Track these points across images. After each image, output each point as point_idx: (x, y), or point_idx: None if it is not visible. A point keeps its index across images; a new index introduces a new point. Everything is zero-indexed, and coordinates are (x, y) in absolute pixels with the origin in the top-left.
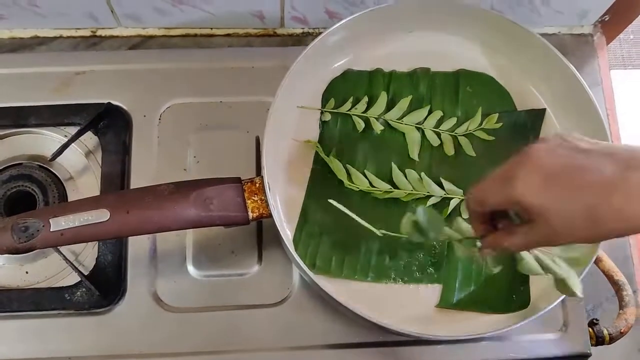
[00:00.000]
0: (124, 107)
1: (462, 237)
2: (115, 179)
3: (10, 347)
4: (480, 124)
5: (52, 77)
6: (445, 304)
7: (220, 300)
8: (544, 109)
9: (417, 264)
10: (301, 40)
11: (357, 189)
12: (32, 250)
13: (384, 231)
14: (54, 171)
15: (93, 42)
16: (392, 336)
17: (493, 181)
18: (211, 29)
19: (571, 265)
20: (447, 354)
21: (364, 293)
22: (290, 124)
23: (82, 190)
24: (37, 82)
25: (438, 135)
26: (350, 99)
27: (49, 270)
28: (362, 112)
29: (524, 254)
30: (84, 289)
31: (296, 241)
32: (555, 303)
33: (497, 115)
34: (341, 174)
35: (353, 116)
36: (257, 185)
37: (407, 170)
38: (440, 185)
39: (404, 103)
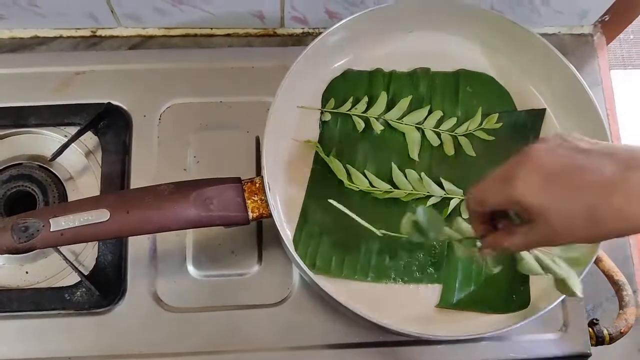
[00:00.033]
0: (124, 107)
1: (462, 237)
2: (115, 179)
3: (10, 347)
4: (480, 124)
5: (52, 77)
6: (445, 304)
7: (220, 300)
8: (544, 109)
9: (417, 264)
10: (301, 40)
11: (357, 189)
12: (32, 250)
13: (384, 231)
14: (54, 171)
15: (93, 42)
16: (392, 336)
17: (493, 181)
18: (211, 29)
19: (571, 265)
20: (447, 354)
21: (364, 293)
22: (290, 124)
23: (82, 190)
24: (37, 82)
25: (438, 135)
26: (350, 99)
27: (49, 270)
28: (362, 112)
29: (524, 254)
30: (84, 289)
31: (296, 241)
32: (555, 303)
33: (497, 115)
34: (341, 174)
35: (353, 116)
36: (257, 185)
37: (407, 170)
38: (440, 185)
39: (404, 103)
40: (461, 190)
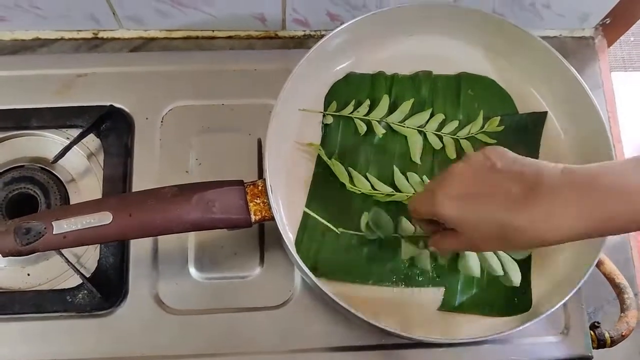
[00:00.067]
0: (126, 110)
1: (407, 236)
2: (118, 181)
3: (12, 350)
4: (482, 127)
5: (53, 79)
6: (447, 307)
7: (222, 302)
8: (546, 112)
9: (418, 267)
10: (302, 42)
11: (359, 192)
12: (34, 253)
13: (342, 229)
14: (56, 173)
15: (95, 44)
16: (393, 339)
17: (422, 195)
18: (213, 31)
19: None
20: (449, 357)
21: (365, 296)
22: (292, 127)
23: (84, 192)
24: (39, 84)
25: (440, 138)
26: (353, 102)
27: (50, 272)
28: (364, 115)
29: (467, 253)
30: (85, 291)
31: (298, 244)
32: (556, 306)
33: (498, 118)
34: (343, 177)
35: (355, 119)
36: (260, 188)
37: (409, 174)
38: None
39: (406, 106)
40: None
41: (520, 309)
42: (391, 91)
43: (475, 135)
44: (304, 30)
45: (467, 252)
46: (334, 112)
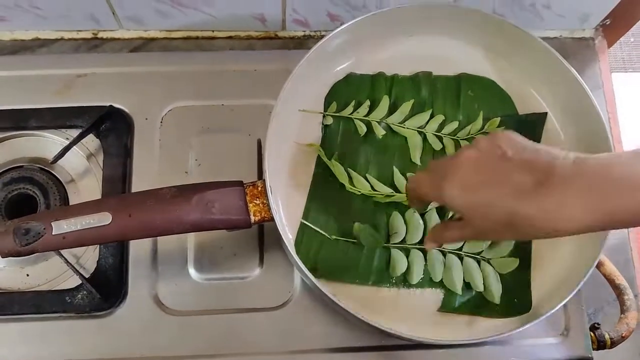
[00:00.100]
0: (126, 110)
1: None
2: (117, 181)
3: (11, 350)
4: (482, 127)
5: (53, 80)
6: (447, 308)
7: (222, 303)
8: (545, 113)
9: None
10: (302, 43)
11: (359, 193)
12: (33, 253)
13: (335, 236)
14: (55, 174)
15: (94, 44)
16: (393, 340)
17: (427, 177)
18: (213, 31)
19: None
20: (449, 358)
21: (365, 297)
22: (292, 127)
23: (84, 193)
24: (39, 85)
25: (440, 139)
26: (352, 103)
27: (50, 273)
28: (364, 116)
29: (454, 266)
30: (85, 292)
31: (298, 245)
32: (557, 307)
33: (498, 119)
34: (343, 178)
35: (355, 120)
36: (259, 188)
37: (408, 174)
38: None
39: (405, 107)
40: None
41: (520, 310)
42: (391, 92)
43: (475, 136)
44: (304, 31)
45: (452, 267)
46: (334, 112)
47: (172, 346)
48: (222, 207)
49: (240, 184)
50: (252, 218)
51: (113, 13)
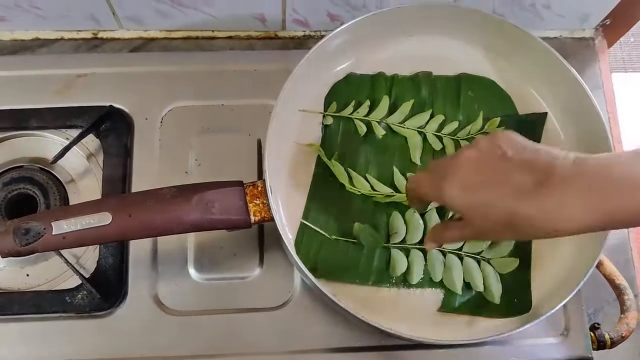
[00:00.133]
0: (126, 110)
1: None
2: (117, 181)
3: (11, 350)
4: (482, 128)
5: (53, 80)
6: (447, 308)
7: (222, 303)
8: (545, 113)
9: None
10: (302, 43)
11: (359, 193)
12: (33, 253)
13: (335, 237)
14: (55, 174)
15: (94, 44)
16: (393, 340)
17: (426, 177)
18: (213, 31)
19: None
20: (449, 358)
21: (365, 297)
22: (292, 127)
23: (84, 193)
24: (39, 85)
25: (440, 139)
26: (352, 103)
27: (50, 273)
28: (364, 116)
29: (454, 266)
30: (85, 292)
31: (298, 244)
32: (557, 307)
33: (498, 119)
34: (343, 178)
35: (355, 120)
36: (259, 188)
37: (408, 174)
38: None
39: (406, 107)
40: None
41: (520, 310)
42: (391, 92)
43: (475, 136)
44: (304, 31)
45: (452, 267)
46: (334, 112)
47: (172, 346)
48: (222, 207)
49: (240, 184)
50: (252, 218)
51: (113, 13)
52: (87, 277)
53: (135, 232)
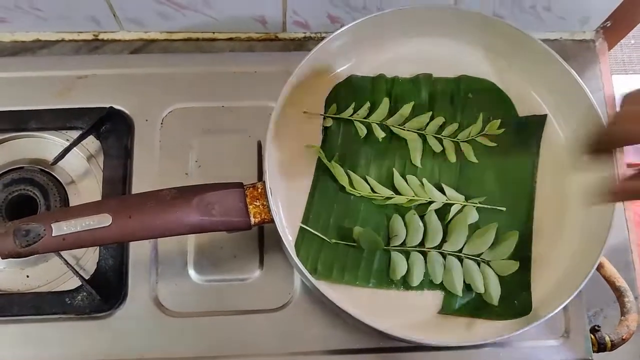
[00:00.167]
0: (126, 111)
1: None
2: (117, 183)
3: (11, 352)
4: (482, 130)
5: (54, 81)
6: (447, 310)
7: (222, 305)
8: (546, 115)
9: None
10: (303, 44)
11: (359, 195)
12: (33, 255)
13: (335, 240)
14: (55, 175)
15: (95, 45)
16: (393, 342)
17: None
18: (213, 33)
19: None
20: None
21: (365, 299)
22: (292, 129)
23: (84, 194)
24: (39, 86)
25: (440, 141)
26: (353, 105)
27: (49, 274)
28: (365, 118)
29: (454, 268)
30: (84, 293)
31: (298, 246)
32: (557, 310)
33: (498, 121)
34: (343, 180)
35: (355, 122)
36: (259, 190)
37: (408, 177)
38: (442, 192)
39: (406, 109)
40: (463, 197)
41: (520, 313)
42: (391, 94)
43: (475, 138)
44: (305, 33)
45: (452, 268)
46: (334, 114)
47: (171, 347)
48: (222, 208)
49: (240, 185)
50: (252, 220)
51: (114, 15)
52: (87, 278)
53: (136, 233)
